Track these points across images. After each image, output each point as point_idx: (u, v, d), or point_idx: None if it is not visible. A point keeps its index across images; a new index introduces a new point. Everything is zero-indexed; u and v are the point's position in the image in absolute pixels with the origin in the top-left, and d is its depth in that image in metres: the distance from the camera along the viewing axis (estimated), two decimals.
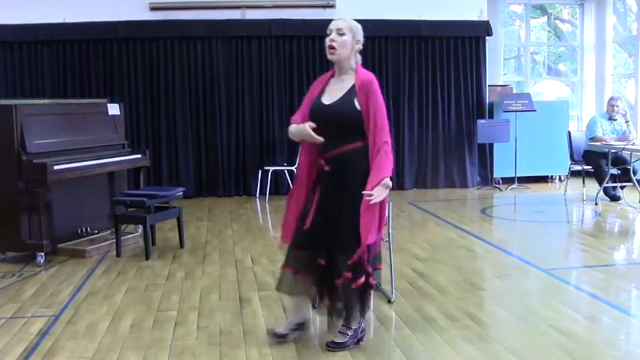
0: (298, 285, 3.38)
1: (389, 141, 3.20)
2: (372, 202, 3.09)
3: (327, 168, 3.27)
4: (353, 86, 3.28)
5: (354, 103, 3.23)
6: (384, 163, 3.15)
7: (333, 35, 3.24)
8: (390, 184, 3.20)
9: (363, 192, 3.11)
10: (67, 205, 5.60)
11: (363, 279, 3.21)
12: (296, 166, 3.31)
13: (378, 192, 3.10)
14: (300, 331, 3.49)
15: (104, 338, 3.57)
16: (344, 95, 3.26)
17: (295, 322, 3.48)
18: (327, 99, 3.30)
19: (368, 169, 3.18)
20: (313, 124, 3.20)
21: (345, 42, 3.24)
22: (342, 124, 3.24)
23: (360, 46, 3.32)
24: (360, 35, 3.32)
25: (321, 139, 3.19)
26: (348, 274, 3.19)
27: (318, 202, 3.30)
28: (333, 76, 3.39)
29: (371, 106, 3.20)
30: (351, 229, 3.17)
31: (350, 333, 3.35)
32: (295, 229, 3.34)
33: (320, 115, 3.25)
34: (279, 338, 3.42)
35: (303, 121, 3.29)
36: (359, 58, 3.34)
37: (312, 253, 3.30)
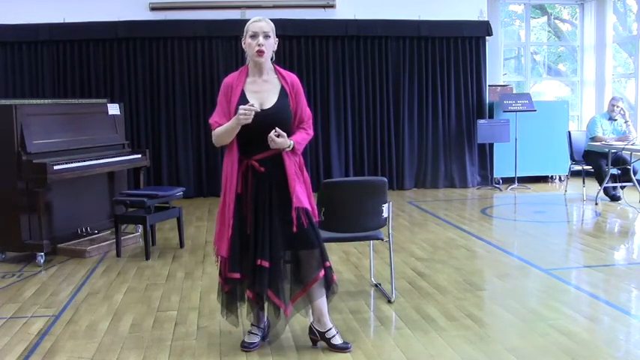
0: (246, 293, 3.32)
1: (311, 132, 3.38)
2: (271, 140, 3.12)
3: (262, 169, 3.22)
4: (283, 88, 3.28)
5: (290, 107, 3.27)
6: (303, 136, 3.33)
7: (262, 40, 3.19)
8: (291, 146, 3.23)
9: (271, 135, 3.12)
10: (67, 205, 5.60)
11: (325, 273, 3.28)
12: (225, 173, 3.24)
13: (282, 141, 3.16)
14: (267, 335, 3.47)
15: (104, 338, 3.57)
16: (279, 99, 3.25)
17: (263, 327, 3.46)
18: (256, 102, 3.20)
19: (300, 161, 3.33)
20: (252, 111, 3.11)
21: (271, 44, 3.24)
22: (281, 128, 3.18)
23: (276, 45, 3.31)
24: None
25: (257, 108, 3.14)
26: (321, 273, 3.25)
27: (255, 205, 3.24)
28: (247, 75, 3.29)
29: (300, 106, 3.32)
30: (310, 222, 3.23)
31: (337, 331, 3.37)
32: (232, 237, 3.22)
33: (256, 121, 3.13)
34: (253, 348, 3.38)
35: None
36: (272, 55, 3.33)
37: (254, 257, 3.23)
